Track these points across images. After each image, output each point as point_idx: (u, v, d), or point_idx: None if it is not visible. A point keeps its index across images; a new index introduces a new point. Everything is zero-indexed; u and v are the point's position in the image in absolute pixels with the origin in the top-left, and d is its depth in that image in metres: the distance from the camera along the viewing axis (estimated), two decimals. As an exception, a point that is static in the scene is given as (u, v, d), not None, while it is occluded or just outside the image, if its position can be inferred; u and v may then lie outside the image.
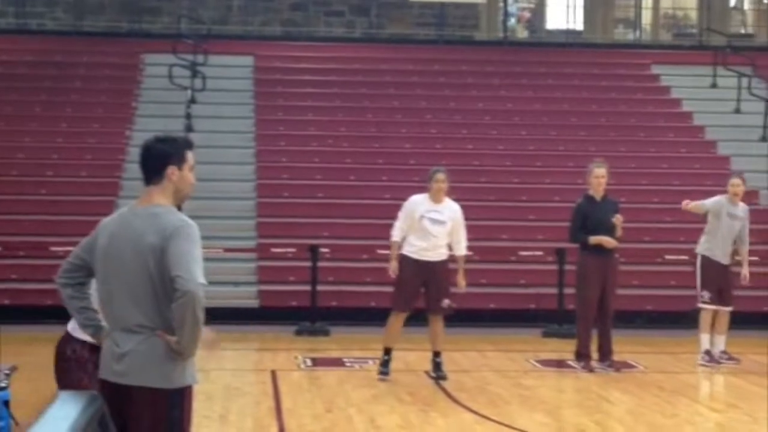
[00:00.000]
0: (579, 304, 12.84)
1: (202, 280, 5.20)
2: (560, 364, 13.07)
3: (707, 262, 13.09)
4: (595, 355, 12.68)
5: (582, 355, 12.69)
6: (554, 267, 15.49)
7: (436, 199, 11.84)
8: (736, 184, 13.31)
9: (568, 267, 14.62)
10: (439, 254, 11.81)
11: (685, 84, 22.24)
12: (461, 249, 11.92)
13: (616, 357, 12.72)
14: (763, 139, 20.23)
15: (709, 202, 13.27)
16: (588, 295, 12.59)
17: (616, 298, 12.75)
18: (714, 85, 22.02)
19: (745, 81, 21.16)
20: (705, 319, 13.02)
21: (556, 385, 12.29)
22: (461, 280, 11.91)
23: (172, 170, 5.43)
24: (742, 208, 13.32)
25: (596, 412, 10.66)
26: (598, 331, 12.67)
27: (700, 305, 13.07)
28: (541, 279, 16.11)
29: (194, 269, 5.19)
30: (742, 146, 20.09)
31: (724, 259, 13.11)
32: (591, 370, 12.54)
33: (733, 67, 21.55)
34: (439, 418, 10.19)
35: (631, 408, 10.92)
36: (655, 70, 22.95)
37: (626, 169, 18.00)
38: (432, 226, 11.75)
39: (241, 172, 18.60)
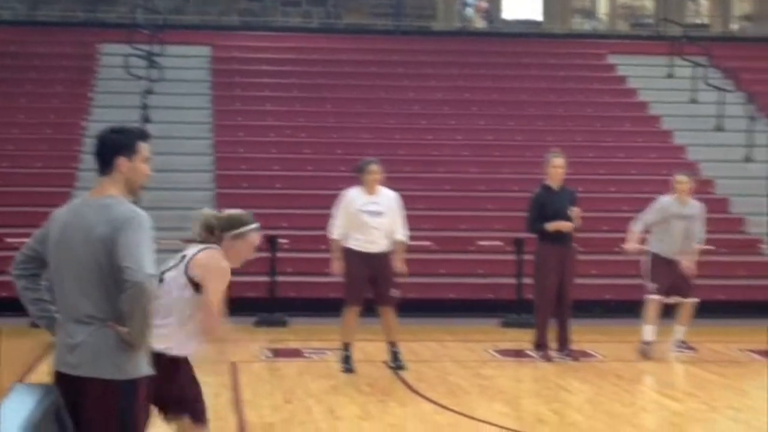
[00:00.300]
0: (537, 293, 12.87)
1: (151, 271, 5.18)
2: (519, 353, 13.09)
3: (657, 258, 13.08)
4: (553, 344, 12.71)
5: (540, 345, 12.73)
6: (512, 257, 15.52)
7: (370, 191, 11.84)
8: (679, 181, 13.17)
9: (526, 257, 14.64)
10: (383, 245, 11.82)
11: (642, 74, 22.35)
12: (400, 235, 11.91)
13: (574, 346, 12.76)
14: (719, 128, 20.36)
15: (650, 214, 13.17)
16: (546, 285, 12.62)
17: (574, 287, 12.78)
18: (670, 75, 22.15)
19: (700, 71, 21.29)
20: (649, 309, 12.99)
21: (514, 375, 12.31)
22: (399, 264, 11.89)
23: (122, 161, 5.40)
24: (692, 206, 13.20)
25: (555, 401, 10.69)
26: (557, 320, 12.71)
27: (647, 296, 13.07)
28: (500, 269, 16.14)
29: (143, 260, 5.17)
30: (698, 136, 20.22)
31: (677, 255, 13.11)
32: (549, 359, 12.58)
33: (689, 57, 21.69)
34: (398, 408, 10.18)
35: (590, 397, 10.95)
36: (612, 60, 23.05)
37: (583, 158, 18.05)
38: (371, 219, 11.75)
39: (199, 163, 18.53)
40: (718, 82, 21.08)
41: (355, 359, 11.90)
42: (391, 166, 15.75)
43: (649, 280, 13.08)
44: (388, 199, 11.91)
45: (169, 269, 6.29)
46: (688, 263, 13.02)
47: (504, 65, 22.39)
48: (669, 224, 13.01)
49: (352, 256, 11.79)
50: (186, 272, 6.22)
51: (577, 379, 11.76)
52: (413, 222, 12.73)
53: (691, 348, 13.16)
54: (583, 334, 13.25)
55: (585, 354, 12.96)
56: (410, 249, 12.33)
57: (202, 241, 6.34)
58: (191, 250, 6.32)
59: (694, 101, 21.18)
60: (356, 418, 9.69)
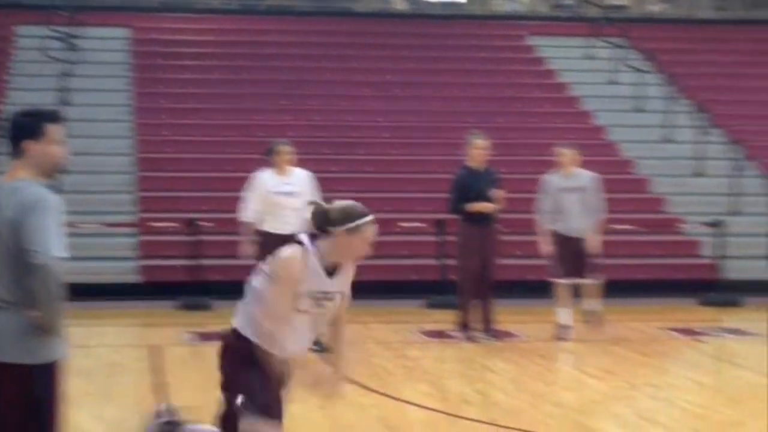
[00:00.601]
0: (460, 274, 12.92)
1: (59, 254, 5.14)
2: (443, 334, 13.15)
3: (555, 236, 12.97)
4: (477, 325, 12.77)
5: (464, 325, 12.79)
6: (435, 238, 15.57)
7: (282, 172, 11.81)
8: (560, 153, 13.20)
9: (449, 238, 14.69)
10: (298, 226, 11.75)
11: (562, 55, 22.47)
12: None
13: (497, 326, 12.83)
14: (638, 109, 20.54)
15: (540, 197, 13.13)
16: (468, 266, 12.66)
17: (497, 268, 12.84)
18: (590, 57, 22.28)
19: (620, 52, 21.46)
20: (558, 293, 13.00)
21: (439, 356, 12.37)
22: None
23: (30, 144, 5.36)
24: (581, 178, 13.11)
25: (479, 382, 10.76)
26: (480, 301, 12.76)
27: (554, 280, 13.07)
28: (423, 250, 16.19)
29: (50, 243, 5.13)
30: (618, 117, 20.39)
31: (575, 232, 12.93)
32: (474, 339, 12.64)
33: (608, 39, 21.84)
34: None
35: (514, 377, 11.04)
36: (532, 41, 23.15)
37: (505, 139, 18.11)
38: (284, 200, 11.72)
39: (119, 146, 18.35)
40: (637, 63, 21.27)
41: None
42: (312, 148, 15.78)
43: (554, 262, 13.07)
44: (301, 179, 11.88)
45: None
46: (593, 240, 12.93)
47: (426, 47, 22.40)
48: (560, 200, 12.95)
49: (266, 238, 11.73)
50: (269, 264, 5.85)
51: (500, 359, 11.84)
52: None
53: (597, 324, 13.04)
54: (506, 314, 13.32)
55: (508, 334, 13.04)
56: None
57: (312, 234, 5.85)
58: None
59: (614, 82, 21.34)
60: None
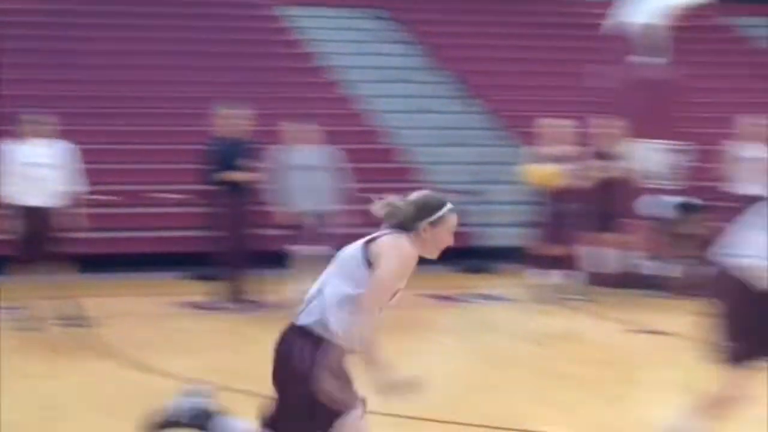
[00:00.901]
0: (218, 245, 12.88)
1: None
2: (203, 306, 13.05)
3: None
4: (239, 296, 12.77)
5: (226, 296, 12.80)
6: (195, 210, 15.47)
7: (33, 143, 11.56)
8: (287, 130, 13.09)
9: (208, 209, 14.61)
10: (52, 198, 11.56)
11: (317, 25, 22.41)
12: (72, 187, 11.68)
13: (258, 297, 12.83)
14: (397, 80, 20.78)
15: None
16: (224, 236, 12.66)
17: (255, 238, 12.83)
18: (348, 27, 22.37)
19: (379, 23, 21.66)
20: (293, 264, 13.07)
21: (202, 327, 12.31)
22: (76, 218, 11.70)
23: None
24: (315, 155, 12.97)
25: (243, 353, 10.78)
26: (239, 271, 12.76)
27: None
28: (182, 222, 16.05)
29: None
30: (375, 87, 20.52)
31: (310, 208, 12.85)
32: (236, 310, 12.64)
33: (366, 9, 22.01)
34: (85, 366, 10.05)
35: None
36: (290, 11, 23.06)
37: (259, 110, 18.02)
38: (38, 172, 11.47)
39: None
40: (397, 34, 21.51)
41: (40, 317, 11.64)
42: (76, 120, 15.44)
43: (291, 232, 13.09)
44: (57, 150, 11.65)
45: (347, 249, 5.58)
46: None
47: (180, 16, 22.06)
48: (289, 177, 12.80)
49: (18, 211, 11.48)
50: (365, 251, 5.45)
51: (261, 329, 11.87)
52: (96, 176, 12.51)
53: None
54: (268, 284, 13.29)
55: (268, 304, 12.98)
56: (96, 203, 12.11)
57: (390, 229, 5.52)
58: (377, 233, 5.52)
59: (372, 53, 21.53)
60: (43, 377, 9.52)
